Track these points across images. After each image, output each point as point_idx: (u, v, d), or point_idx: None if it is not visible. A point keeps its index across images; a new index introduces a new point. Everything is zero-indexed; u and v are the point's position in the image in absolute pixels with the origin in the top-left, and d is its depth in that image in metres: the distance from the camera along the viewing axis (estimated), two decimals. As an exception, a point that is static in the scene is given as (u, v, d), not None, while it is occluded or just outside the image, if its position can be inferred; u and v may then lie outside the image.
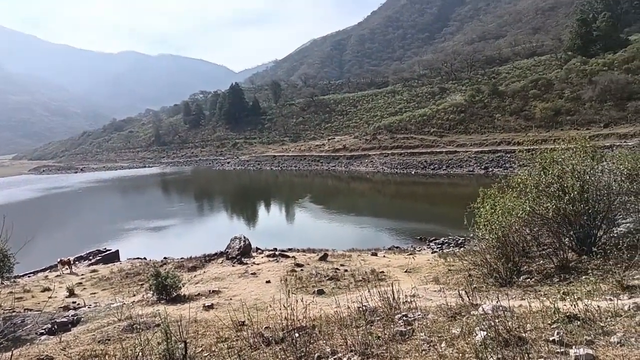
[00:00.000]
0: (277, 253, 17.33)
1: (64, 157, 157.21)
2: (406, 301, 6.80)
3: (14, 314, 11.23)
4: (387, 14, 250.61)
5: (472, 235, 10.23)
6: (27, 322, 9.80)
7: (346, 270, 13.77)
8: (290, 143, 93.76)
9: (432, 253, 20.76)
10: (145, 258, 23.16)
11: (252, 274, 13.20)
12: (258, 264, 14.86)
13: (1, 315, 10.30)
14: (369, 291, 7.89)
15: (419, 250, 22.34)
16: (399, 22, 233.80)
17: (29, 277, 18.82)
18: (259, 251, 18.49)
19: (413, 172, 56.22)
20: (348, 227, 34.39)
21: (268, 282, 12.17)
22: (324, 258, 16.04)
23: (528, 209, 8.60)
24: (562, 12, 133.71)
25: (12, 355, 5.40)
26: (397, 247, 23.78)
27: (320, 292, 10.40)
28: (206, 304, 9.30)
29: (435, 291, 8.73)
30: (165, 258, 21.68)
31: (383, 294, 6.57)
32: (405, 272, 13.39)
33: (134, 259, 22.93)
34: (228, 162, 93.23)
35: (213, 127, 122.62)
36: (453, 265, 13.06)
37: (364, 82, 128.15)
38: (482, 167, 50.79)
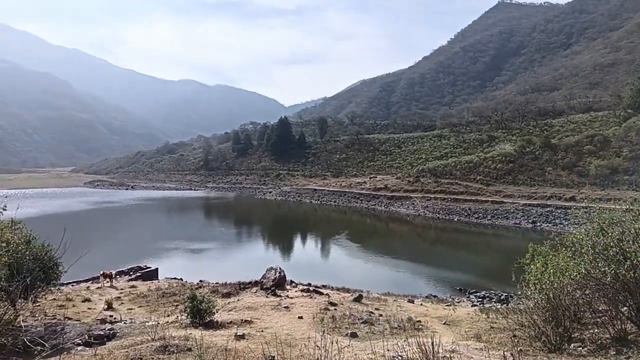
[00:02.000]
0: (311, 289, 17.10)
1: (118, 173, 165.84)
2: (445, 356, 6.45)
3: (54, 321, 11.64)
4: (438, 60, 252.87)
5: (519, 292, 9.67)
6: (66, 331, 10.07)
7: (381, 315, 13.33)
8: (332, 178, 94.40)
9: (472, 306, 19.77)
10: (181, 279, 23.56)
11: (285, 307, 13.05)
12: (291, 298, 14.69)
13: (44, 321, 10.67)
14: (405, 340, 7.56)
15: (458, 302, 21.34)
16: (451, 68, 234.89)
17: (72, 286, 19.56)
18: (293, 284, 18.33)
19: (456, 219, 54.64)
20: (384, 269, 33.60)
21: (300, 317, 11.96)
22: (358, 299, 15.63)
23: (583, 271, 8.05)
24: (622, 69, 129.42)
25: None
26: (434, 296, 22.89)
27: (354, 335, 10.07)
28: (238, 333, 9.23)
29: (476, 349, 8.23)
30: (201, 281, 21.97)
31: (421, 345, 6.27)
32: (444, 324, 12.76)
33: (172, 278, 23.37)
34: (270, 192, 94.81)
35: (259, 156, 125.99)
36: (495, 323, 12.33)
37: (410, 124, 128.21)
38: (530, 220, 48.60)
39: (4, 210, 14.39)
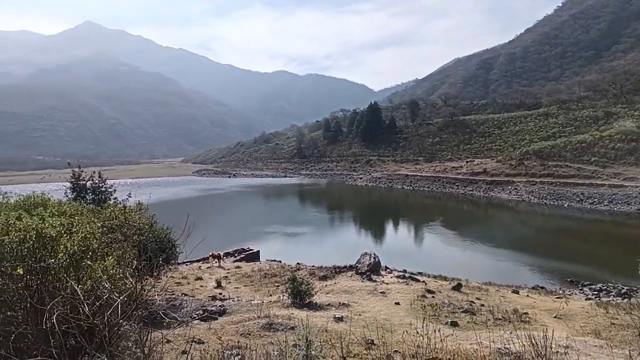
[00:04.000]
0: (406, 275, 16.91)
1: (221, 162, 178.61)
2: (558, 352, 5.95)
3: (173, 296, 13.02)
4: (543, 31, 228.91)
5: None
6: (184, 306, 11.21)
7: (483, 305, 12.71)
8: (425, 163, 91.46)
9: (586, 300, 17.97)
10: (280, 261, 24.78)
11: (381, 292, 13.08)
12: (387, 284, 14.67)
13: (165, 297, 11.98)
14: (511, 332, 7.14)
15: (570, 294, 19.53)
16: (558, 39, 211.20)
17: (186, 265, 21.65)
18: (388, 270, 18.27)
19: (566, 205, 49.76)
20: (484, 257, 31.89)
21: (397, 303, 11.90)
22: (457, 288, 15.08)
23: None
24: None
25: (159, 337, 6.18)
26: (542, 287, 21.20)
27: (454, 324, 9.77)
28: (336, 316, 9.48)
29: (595, 346, 7.48)
30: (298, 264, 22.90)
31: (531, 338, 5.86)
32: (555, 317, 11.78)
33: (272, 260, 24.71)
34: (360, 178, 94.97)
35: (349, 143, 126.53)
36: (617, 319, 11.07)
37: (511, 103, 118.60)
38: (660, 206, 42.43)
39: (129, 197, 16.31)
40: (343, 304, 11.33)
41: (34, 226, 4.11)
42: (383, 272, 17.32)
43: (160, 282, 14.51)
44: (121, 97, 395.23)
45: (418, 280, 16.17)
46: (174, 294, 13.56)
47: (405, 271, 19.12)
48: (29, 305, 3.68)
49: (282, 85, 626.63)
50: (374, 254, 17.34)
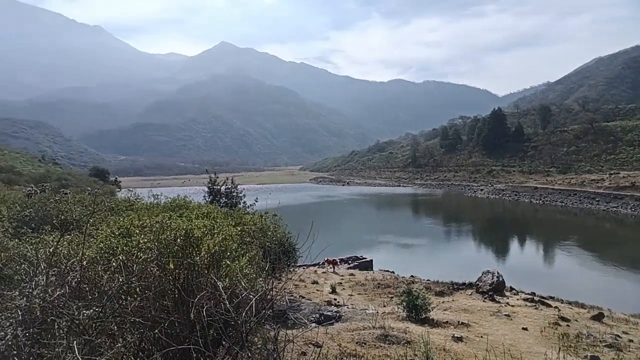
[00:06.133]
0: (535, 298, 15.31)
1: (336, 171, 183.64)
2: None
3: (292, 298, 13.69)
4: None
5: None
6: (302, 308, 11.69)
7: (631, 341, 10.88)
8: (557, 175, 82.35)
9: None
10: (393, 272, 24.42)
11: (505, 315, 12.05)
12: (512, 306, 13.46)
13: (286, 298, 12.64)
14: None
15: None
16: None
17: (303, 269, 22.59)
18: (513, 291, 16.76)
19: None
20: (632, 286, 27.46)
21: (525, 329, 10.83)
22: (598, 318, 13.16)
23: None
24: None
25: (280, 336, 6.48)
26: None
27: (595, 359, 8.55)
28: (455, 335, 8.99)
29: None
30: (412, 276, 22.29)
31: None
32: None
33: (384, 270, 24.49)
34: (481, 190, 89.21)
35: (469, 152, 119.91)
36: None
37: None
38: None
39: (256, 201, 17.61)
40: (462, 323, 10.69)
41: (184, 227, 4.69)
42: (507, 293, 15.94)
43: (281, 283, 15.41)
44: (248, 109, 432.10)
45: (549, 305, 14.51)
46: (292, 296, 14.27)
47: (533, 294, 17.33)
48: (176, 296, 4.18)
49: (398, 94, 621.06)
50: (498, 273, 16.06)
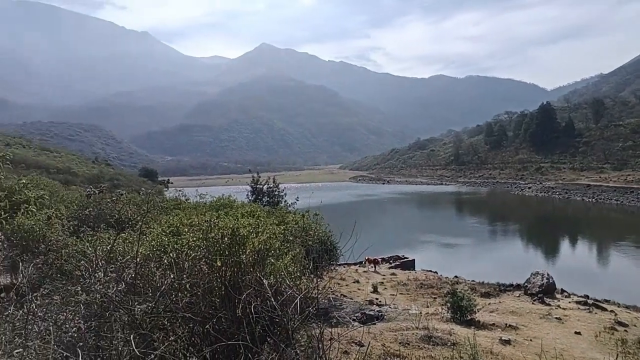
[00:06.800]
0: (589, 301, 14.54)
1: (375, 169, 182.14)
2: None
3: (334, 296, 13.73)
4: None
5: None
6: (343, 306, 11.72)
7: (700, 350, 10.12)
8: (612, 172, 77.76)
9: None
10: (436, 272, 23.91)
11: (556, 318, 11.53)
12: (564, 309, 12.85)
13: (327, 296, 12.70)
14: None
15: None
16: None
17: (344, 267, 22.60)
18: (565, 294, 16.00)
19: None
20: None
21: (577, 333, 10.33)
22: (660, 324, 12.33)
23: None
24: None
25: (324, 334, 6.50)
26: None
27: (658, 369, 8.01)
28: (503, 338, 8.71)
29: None
30: (456, 277, 21.75)
31: None
32: None
33: (427, 270, 24.02)
34: (529, 187, 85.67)
35: (515, 148, 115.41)
36: None
37: None
38: None
39: (297, 200, 17.78)
40: (510, 325, 10.33)
41: (231, 225, 4.82)
42: (558, 296, 15.24)
43: (323, 281, 15.51)
44: (289, 110, 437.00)
45: (604, 309, 13.74)
46: (334, 294, 14.31)
47: (587, 297, 16.46)
48: (223, 292, 4.31)
49: (440, 90, 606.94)
50: (547, 274, 15.38)
